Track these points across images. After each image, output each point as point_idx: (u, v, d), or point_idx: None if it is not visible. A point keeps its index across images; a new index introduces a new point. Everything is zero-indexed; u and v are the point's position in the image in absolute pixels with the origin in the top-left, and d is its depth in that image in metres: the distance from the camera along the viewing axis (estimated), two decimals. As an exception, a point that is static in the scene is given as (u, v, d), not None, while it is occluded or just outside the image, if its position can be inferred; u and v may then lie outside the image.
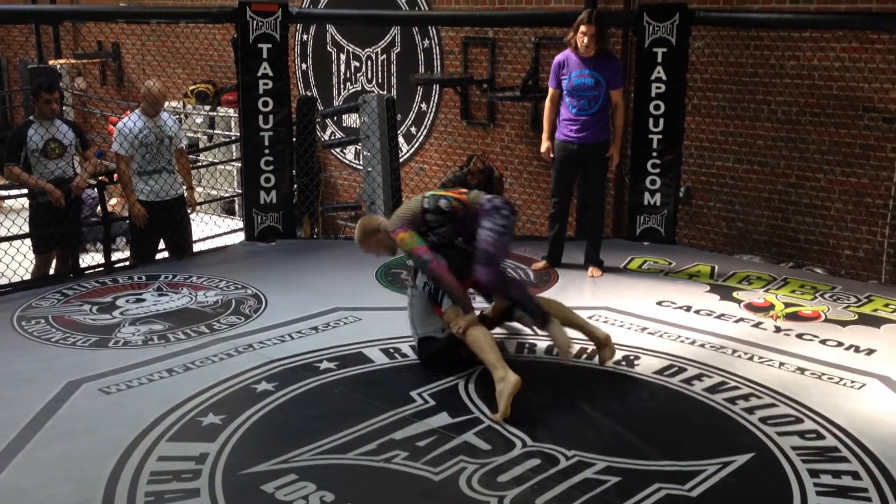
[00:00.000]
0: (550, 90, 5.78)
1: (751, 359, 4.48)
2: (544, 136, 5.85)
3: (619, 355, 4.51)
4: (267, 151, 6.64)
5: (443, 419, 3.77)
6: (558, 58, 5.73)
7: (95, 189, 6.70)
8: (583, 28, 5.52)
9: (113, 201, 8.39)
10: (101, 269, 6.21)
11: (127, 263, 6.38)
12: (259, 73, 6.52)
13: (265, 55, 6.51)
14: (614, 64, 5.73)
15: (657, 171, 6.51)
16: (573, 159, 5.74)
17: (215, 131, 10.71)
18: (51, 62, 11.02)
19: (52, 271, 6.25)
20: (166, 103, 6.53)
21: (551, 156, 5.82)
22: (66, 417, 3.80)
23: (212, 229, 7.44)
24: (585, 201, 5.98)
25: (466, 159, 7.28)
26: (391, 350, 4.56)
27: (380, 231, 4.35)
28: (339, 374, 4.27)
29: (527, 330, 4.64)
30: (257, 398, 3.99)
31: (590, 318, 5.04)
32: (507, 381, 3.83)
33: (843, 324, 4.98)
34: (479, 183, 7.01)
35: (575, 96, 5.62)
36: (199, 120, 10.79)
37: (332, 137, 9.74)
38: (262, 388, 4.10)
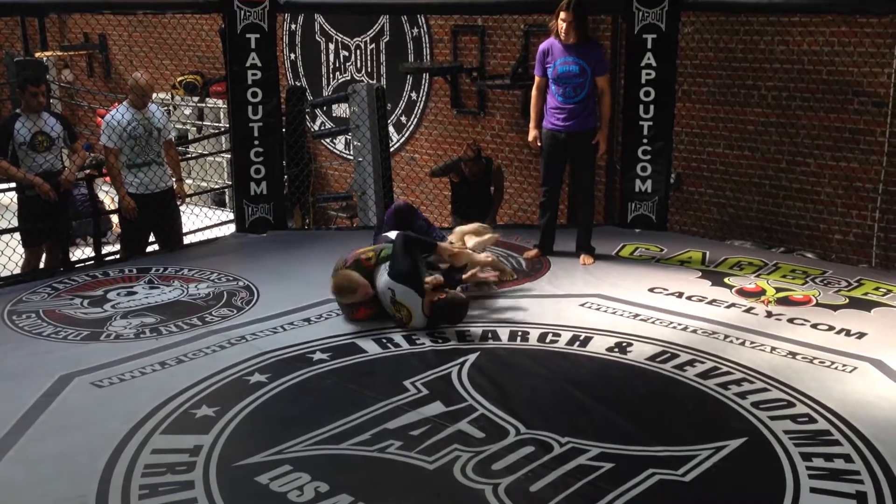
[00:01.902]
0: (536, 79, 5.72)
1: (742, 344, 4.50)
2: (531, 124, 5.79)
3: (611, 342, 4.52)
4: (257, 142, 6.61)
5: (436, 408, 3.77)
6: (543, 46, 5.68)
7: (85, 184, 6.68)
8: (562, 15, 5.46)
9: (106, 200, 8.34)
10: (92, 262, 6.19)
11: (117, 257, 6.36)
12: (247, 64, 6.49)
13: (253, 45, 6.47)
14: (598, 50, 5.69)
15: (648, 157, 6.51)
16: (561, 147, 5.68)
17: (204, 122, 10.66)
18: (37, 54, 10.94)
19: (42, 265, 6.23)
20: (154, 95, 6.49)
21: (539, 144, 5.79)
22: (58, 412, 3.79)
23: (202, 221, 7.42)
24: (575, 190, 5.96)
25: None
26: (384, 340, 4.56)
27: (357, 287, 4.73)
28: (332, 365, 4.27)
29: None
30: (250, 390, 3.99)
31: (582, 305, 5.07)
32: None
33: (834, 308, 5.00)
34: (474, 173, 6.99)
35: (560, 84, 5.57)
36: (187, 111, 10.74)
37: (322, 127, 9.71)
38: (255, 379, 4.10)
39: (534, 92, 5.76)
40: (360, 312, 4.78)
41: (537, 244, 5.99)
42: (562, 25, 5.48)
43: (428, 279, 4.70)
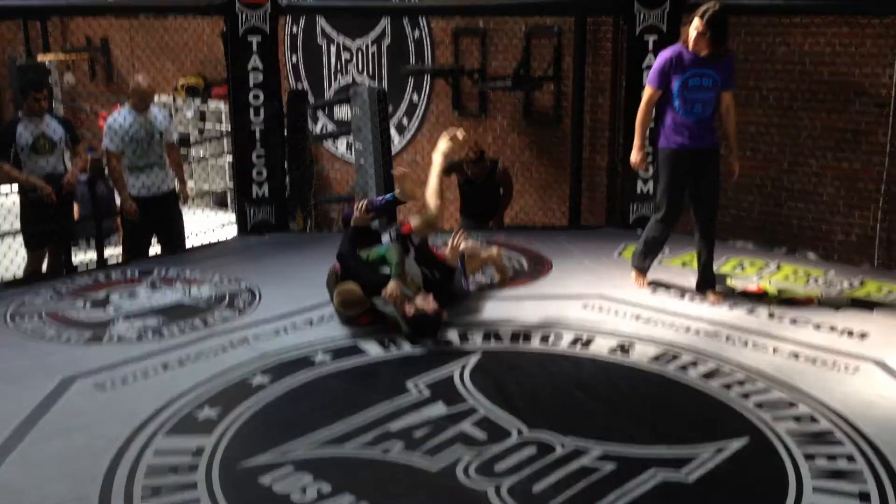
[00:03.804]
0: (650, 90, 4.99)
1: (745, 344, 4.49)
2: (638, 143, 5.07)
3: (613, 343, 4.53)
4: (258, 145, 6.62)
5: (439, 409, 3.77)
6: (667, 54, 4.93)
7: (87, 186, 6.71)
8: (695, 23, 4.78)
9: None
10: (94, 265, 6.20)
11: (120, 259, 6.37)
12: (249, 66, 6.50)
13: (255, 48, 6.49)
14: (732, 64, 5.02)
15: (650, 159, 6.49)
16: (687, 168, 4.99)
17: (206, 125, 10.68)
18: (39, 58, 10.96)
19: (44, 268, 6.23)
20: (156, 97, 6.51)
21: (647, 169, 5.13)
22: (61, 414, 3.79)
23: (204, 223, 7.43)
24: (699, 215, 5.13)
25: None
26: (386, 341, 4.56)
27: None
28: (334, 367, 4.27)
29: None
30: (253, 391, 3.99)
31: (584, 306, 5.07)
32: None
33: (837, 308, 4.99)
34: (477, 174, 7.00)
35: (688, 99, 4.88)
36: (189, 114, 10.76)
37: (324, 130, 9.72)
38: (258, 381, 4.10)
39: (644, 106, 5.03)
40: (362, 319, 4.77)
41: (643, 270, 5.33)
42: (692, 35, 4.81)
43: (389, 289, 4.56)
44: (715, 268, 5.71)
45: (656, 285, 5.38)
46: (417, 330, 4.55)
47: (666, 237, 5.26)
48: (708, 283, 5.20)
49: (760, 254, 6.13)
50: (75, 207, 7.14)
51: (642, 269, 5.34)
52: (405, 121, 9.19)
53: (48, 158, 5.99)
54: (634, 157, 5.10)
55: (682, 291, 5.27)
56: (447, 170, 7.17)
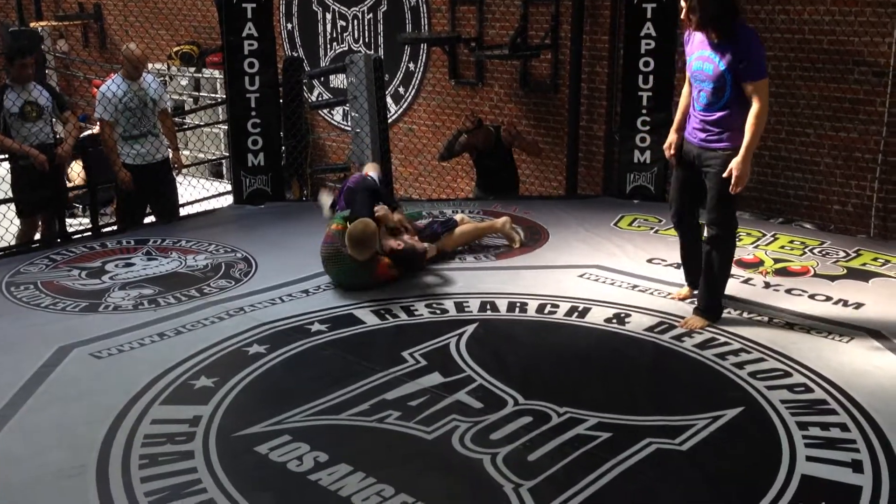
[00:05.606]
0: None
1: (740, 314, 4.51)
2: (672, 126, 4.54)
3: (609, 313, 4.53)
4: (254, 113, 6.58)
5: (435, 379, 3.79)
6: (686, 34, 4.38)
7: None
8: None
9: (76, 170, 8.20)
10: (89, 233, 6.18)
11: (114, 228, 6.35)
12: (244, 34, 6.44)
13: (250, 15, 6.42)
14: (747, 45, 4.07)
15: (647, 128, 6.49)
16: (690, 163, 4.37)
17: (201, 93, 10.59)
18: (32, 24, 10.83)
19: (38, 236, 6.21)
20: (150, 65, 6.45)
21: (672, 153, 4.46)
22: (57, 383, 3.80)
23: (200, 192, 7.40)
24: (706, 224, 4.45)
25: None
26: (382, 311, 4.57)
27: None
28: (331, 336, 4.28)
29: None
30: (249, 361, 4.00)
31: (580, 276, 5.07)
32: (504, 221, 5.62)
33: (832, 278, 5.00)
34: (483, 142, 6.96)
35: (694, 86, 4.26)
36: (184, 82, 10.67)
37: (320, 98, 9.65)
38: (254, 350, 4.11)
39: (685, 88, 4.45)
40: (380, 270, 4.84)
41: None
42: (681, 11, 4.20)
43: (378, 209, 4.96)
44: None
45: (652, 256, 5.38)
46: (404, 261, 4.96)
47: (683, 238, 4.66)
48: (697, 307, 4.55)
49: (757, 224, 6.13)
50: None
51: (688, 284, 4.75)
52: (401, 89, 9.13)
53: (37, 124, 5.94)
54: (666, 142, 4.56)
55: (678, 262, 5.25)
56: (457, 151, 7.15)
